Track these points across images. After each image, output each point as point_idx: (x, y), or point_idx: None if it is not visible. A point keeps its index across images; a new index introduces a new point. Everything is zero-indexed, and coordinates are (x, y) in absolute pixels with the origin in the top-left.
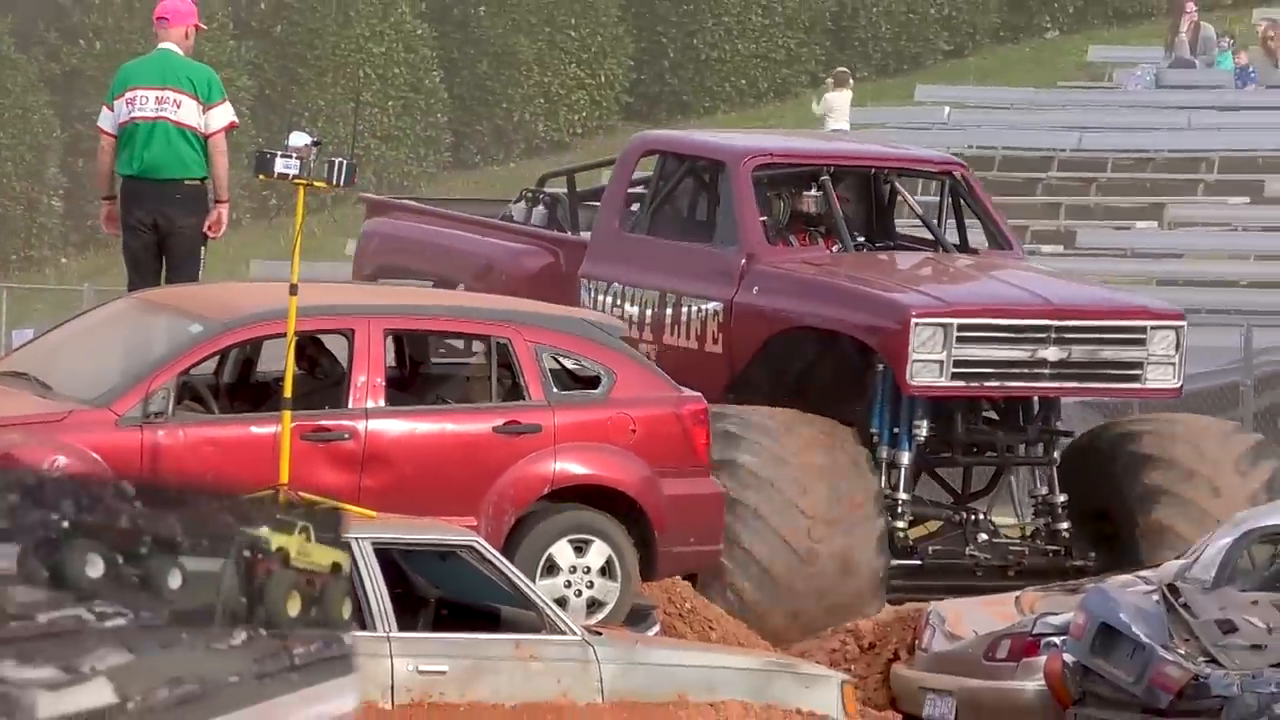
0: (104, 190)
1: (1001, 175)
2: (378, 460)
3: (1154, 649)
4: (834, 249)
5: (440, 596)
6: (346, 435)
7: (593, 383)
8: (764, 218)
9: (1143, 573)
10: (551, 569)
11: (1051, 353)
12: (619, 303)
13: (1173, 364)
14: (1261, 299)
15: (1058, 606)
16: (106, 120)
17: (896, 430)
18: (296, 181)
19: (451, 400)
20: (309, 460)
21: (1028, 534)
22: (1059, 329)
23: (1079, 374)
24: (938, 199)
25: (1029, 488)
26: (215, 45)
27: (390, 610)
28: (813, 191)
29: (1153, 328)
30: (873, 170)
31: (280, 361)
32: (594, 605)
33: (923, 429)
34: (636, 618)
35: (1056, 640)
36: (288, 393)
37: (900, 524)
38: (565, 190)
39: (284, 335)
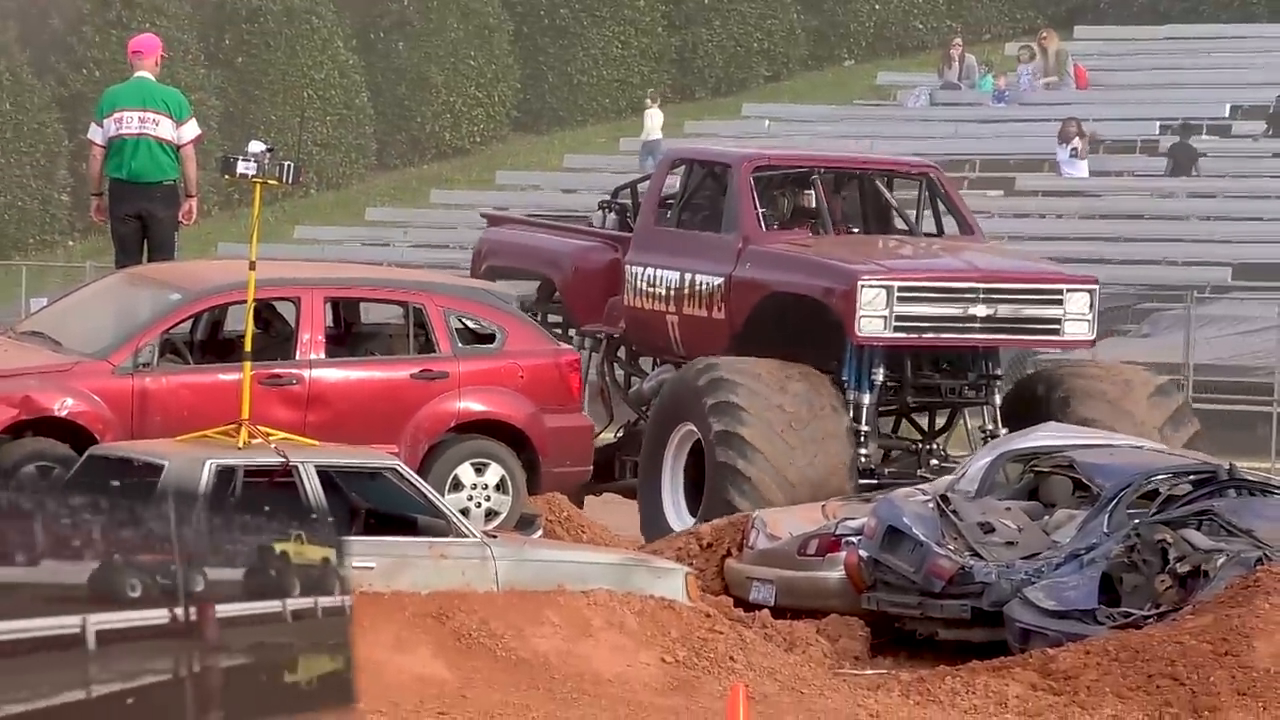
0: (94, 188)
1: None
2: (319, 400)
3: (930, 546)
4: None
5: (369, 508)
6: (295, 381)
7: (489, 339)
8: (765, 210)
9: (921, 486)
10: (457, 486)
11: (980, 310)
12: (651, 283)
13: (1087, 320)
14: None
15: (855, 513)
16: (96, 134)
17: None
18: (254, 180)
19: (377, 353)
20: (265, 401)
21: None
22: (986, 290)
23: (1004, 328)
24: (916, 195)
25: (978, 424)
26: (189, 73)
27: (329, 519)
28: (808, 191)
29: (1068, 290)
30: (858, 172)
31: (242, 323)
32: (490, 515)
33: (879, 375)
34: (524, 524)
35: (854, 539)
36: (248, 347)
37: (864, 451)
38: (631, 199)
39: (245, 302)
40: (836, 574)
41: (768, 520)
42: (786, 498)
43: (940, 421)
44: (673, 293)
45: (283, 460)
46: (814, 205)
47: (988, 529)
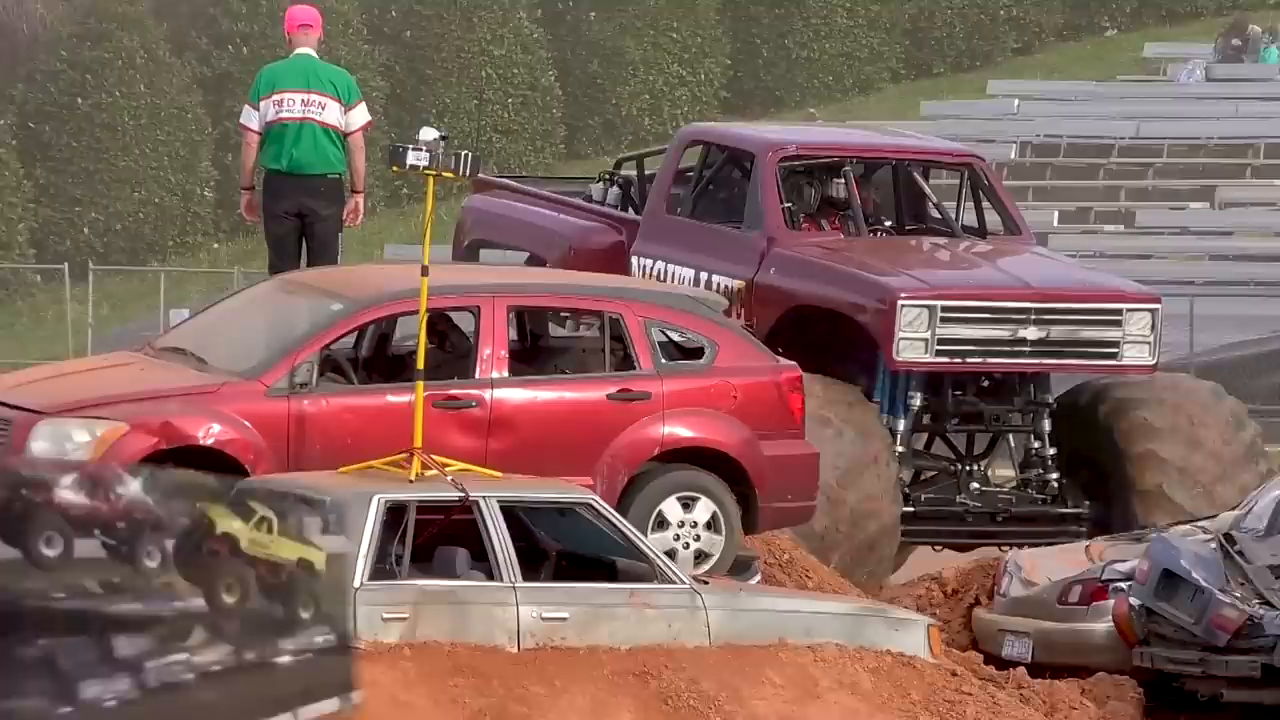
0: (246, 182)
1: (1066, 161)
2: (502, 425)
3: (1213, 593)
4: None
5: (561, 550)
6: (474, 403)
7: (697, 353)
8: (790, 204)
9: (1201, 523)
10: (661, 524)
11: (1031, 332)
12: (663, 279)
13: (1148, 342)
14: None
15: (1124, 554)
16: (252, 119)
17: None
18: (426, 172)
19: (569, 370)
20: (440, 426)
21: (1021, 485)
22: (1038, 310)
23: (1058, 351)
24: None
25: (1024, 442)
26: (350, 49)
27: (515, 562)
28: (839, 180)
29: (1128, 310)
30: (893, 162)
31: (413, 337)
32: (701, 557)
33: (916, 399)
34: (740, 568)
35: (1123, 585)
36: (420, 365)
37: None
38: (636, 173)
39: (416, 312)
40: (1103, 625)
41: (1023, 563)
42: (822, 526)
43: (981, 440)
44: None
45: (461, 495)
46: (844, 197)
47: None
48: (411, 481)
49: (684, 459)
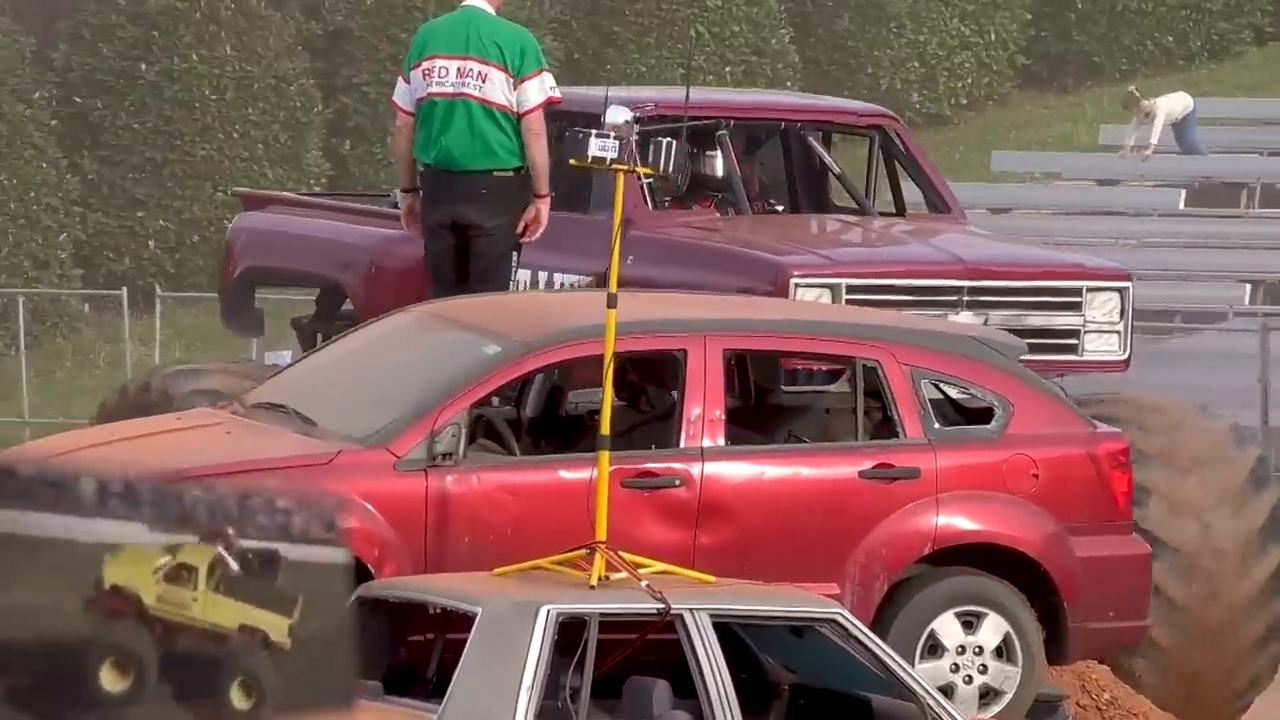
0: (403, 180)
1: None
2: (716, 513)
3: None
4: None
5: (795, 682)
6: (678, 481)
7: (984, 416)
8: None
9: None
10: (934, 649)
11: (964, 319)
12: None
13: (1117, 331)
14: None
15: None
16: (403, 95)
17: None
18: (616, 168)
19: (807, 438)
20: (632, 512)
21: None
22: (973, 290)
23: None
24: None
25: None
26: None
27: (734, 699)
28: (712, 152)
29: (1090, 289)
30: (783, 125)
31: (596, 391)
32: (988, 694)
33: None
34: (1042, 711)
35: None
36: (605, 429)
37: None
38: None
39: (600, 358)
40: None
41: None
42: None
43: None
44: None
45: (661, 606)
46: (721, 173)
47: None
48: (593, 588)
49: (965, 560)
